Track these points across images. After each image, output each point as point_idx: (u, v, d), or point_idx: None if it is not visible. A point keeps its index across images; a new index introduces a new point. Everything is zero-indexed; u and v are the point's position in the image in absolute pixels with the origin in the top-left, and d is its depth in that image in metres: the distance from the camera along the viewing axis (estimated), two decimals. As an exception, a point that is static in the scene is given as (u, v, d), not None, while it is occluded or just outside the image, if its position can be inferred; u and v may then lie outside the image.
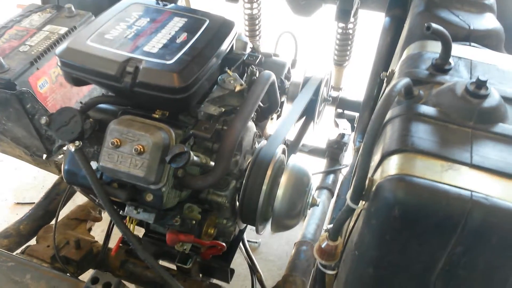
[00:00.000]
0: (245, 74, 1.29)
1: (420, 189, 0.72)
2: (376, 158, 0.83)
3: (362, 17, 2.07)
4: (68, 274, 1.30)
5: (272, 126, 1.62)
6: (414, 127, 0.82)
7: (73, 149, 1.05)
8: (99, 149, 1.07)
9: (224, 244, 1.29)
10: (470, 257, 0.75)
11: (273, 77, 1.26)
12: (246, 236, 1.53)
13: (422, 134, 0.81)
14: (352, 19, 1.92)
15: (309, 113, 1.72)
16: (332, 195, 1.83)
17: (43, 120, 1.06)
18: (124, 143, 1.01)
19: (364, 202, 0.81)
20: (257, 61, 1.33)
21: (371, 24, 2.51)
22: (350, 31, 2.08)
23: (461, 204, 0.71)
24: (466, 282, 0.79)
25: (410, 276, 0.81)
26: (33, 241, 1.47)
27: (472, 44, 1.12)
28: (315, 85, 1.62)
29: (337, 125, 2.14)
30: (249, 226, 1.41)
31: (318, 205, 1.30)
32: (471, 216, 0.70)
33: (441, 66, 0.96)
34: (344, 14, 1.67)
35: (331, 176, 1.92)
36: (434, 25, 0.86)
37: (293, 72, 1.67)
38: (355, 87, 2.45)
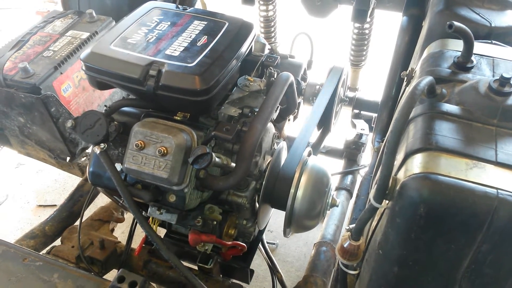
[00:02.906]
0: (264, 76, 1.30)
1: (446, 188, 0.72)
2: (399, 157, 0.83)
3: (378, 17, 2.06)
4: (92, 273, 1.32)
5: (289, 127, 1.62)
6: (437, 126, 0.82)
7: (98, 152, 1.08)
8: (123, 151, 1.09)
9: (244, 244, 1.30)
10: (497, 255, 0.75)
11: (292, 78, 1.26)
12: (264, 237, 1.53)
13: (446, 132, 0.81)
14: (368, 19, 1.91)
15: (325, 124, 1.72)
16: (351, 196, 1.83)
17: (69, 123, 1.09)
18: (148, 145, 1.03)
19: (387, 201, 0.81)
20: (276, 62, 1.34)
21: (385, 24, 2.50)
22: (367, 31, 2.08)
23: (487, 202, 0.70)
24: (492, 281, 0.78)
25: (436, 274, 0.81)
26: (57, 242, 1.50)
27: (494, 41, 1.12)
28: (336, 78, 1.61)
29: (354, 125, 2.13)
30: (266, 228, 1.41)
31: (338, 206, 1.30)
32: (497, 214, 0.70)
33: (463, 64, 0.96)
34: (361, 14, 1.67)
35: (349, 177, 1.91)
36: (456, 23, 0.86)
37: (309, 73, 1.67)
38: (372, 87, 2.45)
